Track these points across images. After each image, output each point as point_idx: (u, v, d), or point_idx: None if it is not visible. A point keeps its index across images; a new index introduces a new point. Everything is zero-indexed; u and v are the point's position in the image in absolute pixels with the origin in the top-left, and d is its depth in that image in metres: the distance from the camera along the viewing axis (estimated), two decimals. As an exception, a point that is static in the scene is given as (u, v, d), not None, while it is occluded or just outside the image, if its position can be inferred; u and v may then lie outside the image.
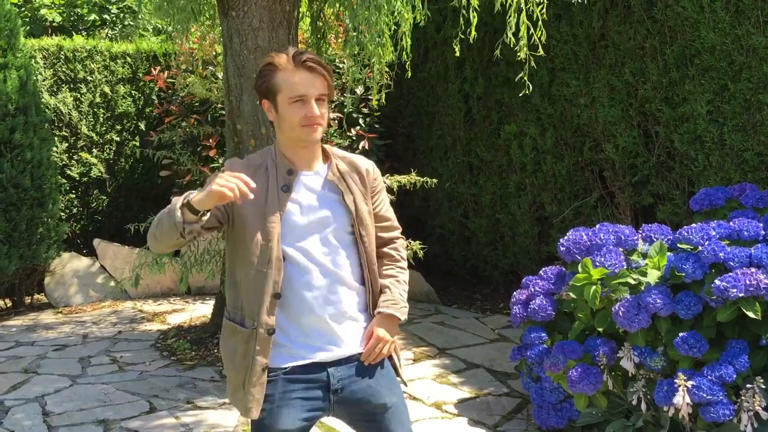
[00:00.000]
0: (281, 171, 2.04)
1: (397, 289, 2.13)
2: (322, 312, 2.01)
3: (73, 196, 7.11)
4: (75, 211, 7.14)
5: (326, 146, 2.14)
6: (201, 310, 5.95)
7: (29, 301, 6.40)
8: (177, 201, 1.89)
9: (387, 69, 4.71)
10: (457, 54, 4.62)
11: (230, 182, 1.80)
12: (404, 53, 4.60)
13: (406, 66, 4.74)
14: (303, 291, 2.00)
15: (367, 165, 2.15)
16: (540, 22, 4.23)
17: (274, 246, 1.97)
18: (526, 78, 4.33)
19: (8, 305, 6.27)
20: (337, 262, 2.04)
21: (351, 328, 2.06)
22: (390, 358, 2.16)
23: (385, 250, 2.18)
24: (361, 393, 2.05)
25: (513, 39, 4.21)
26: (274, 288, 1.98)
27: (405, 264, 2.21)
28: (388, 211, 2.20)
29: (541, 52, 4.31)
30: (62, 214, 6.87)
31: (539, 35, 4.18)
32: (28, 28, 9.09)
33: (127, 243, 6.70)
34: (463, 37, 4.40)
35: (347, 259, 2.06)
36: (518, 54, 4.27)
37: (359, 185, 2.11)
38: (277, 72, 2.00)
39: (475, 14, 4.31)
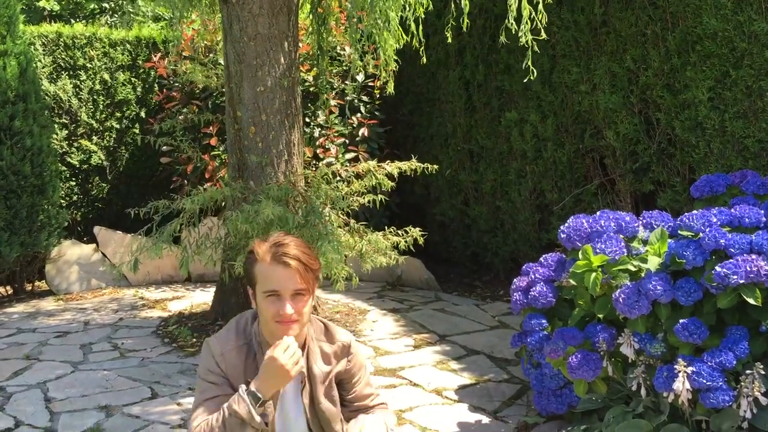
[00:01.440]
0: (259, 365, 2.05)
1: (371, 417, 2.15)
2: None
3: (74, 183, 7.11)
4: (75, 198, 7.13)
5: (308, 329, 2.13)
6: (202, 297, 5.97)
7: (30, 288, 6.41)
8: (239, 408, 1.93)
9: (395, 56, 4.71)
10: (449, 40, 4.60)
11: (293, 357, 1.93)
12: (415, 40, 4.60)
13: (421, 52, 4.73)
14: None
15: (344, 348, 2.18)
16: (540, 5, 4.21)
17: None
18: (530, 63, 4.32)
19: (9, 292, 6.29)
20: None
21: None
22: None
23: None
24: None
25: (515, 24, 4.20)
26: None
27: (387, 420, 2.20)
28: (367, 388, 2.24)
29: (544, 36, 4.29)
30: (63, 201, 6.87)
31: (540, 18, 4.17)
32: (26, 17, 9.04)
33: (127, 230, 6.70)
34: (454, 23, 4.38)
35: None
36: (520, 39, 4.25)
37: (329, 378, 2.14)
38: (256, 263, 2.01)
39: (467, 2, 4.30)
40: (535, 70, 4.45)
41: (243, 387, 1.96)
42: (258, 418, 1.90)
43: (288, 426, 2.13)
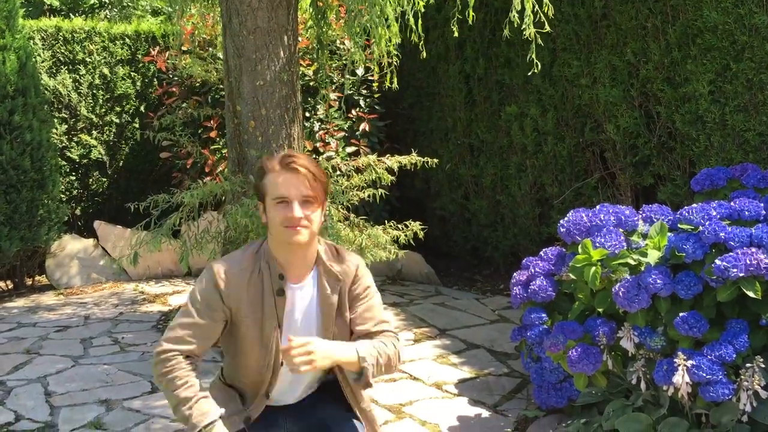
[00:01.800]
0: (274, 275, 2.06)
1: (375, 343, 2.09)
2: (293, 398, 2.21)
3: (74, 177, 7.11)
4: (75, 193, 7.13)
5: (319, 248, 2.13)
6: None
7: (30, 282, 6.41)
8: (189, 410, 2.00)
9: (395, 51, 4.69)
10: (456, 34, 4.59)
11: None
12: (414, 35, 4.58)
13: (420, 46, 4.72)
14: (286, 389, 2.17)
15: (352, 270, 2.15)
16: (546, -2, 4.19)
17: (272, 354, 2.06)
18: (534, 56, 4.31)
19: (9, 287, 6.29)
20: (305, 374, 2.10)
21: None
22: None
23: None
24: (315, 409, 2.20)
25: (518, 18, 4.19)
26: (268, 389, 2.11)
27: (396, 352, 2.15)
28: (372, 312, 2.17)
29: (548, 29, 4.27)
30: (62, 196, 6.86)
31: (546, 10, 4.15)
32: (25, 11, 9.03)
33: (127, 225, 6.70)
34: (460, 17, 4.37)
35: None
36: (524, 32, 4.23)
37: (339, 298, 2.13)
38: (266, 174, 2.04)
39: (473, -6, 4.28)
40: (539, 63, 4.44)
41: (219, 414, 2.01)
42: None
43: (292, 333, 2.09)
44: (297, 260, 2.07)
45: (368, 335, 2.12)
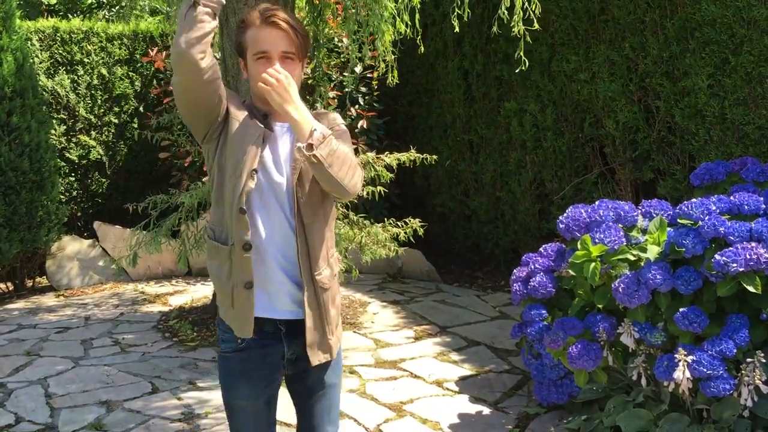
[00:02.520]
0: (258, 117, 2.03)
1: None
2: (267, 274, 2.01)
3: (73, 178, 7.10)
4: (75, 193, 7.12)
5: None
6: (202, 291, 5.96)
7: (31, 284, 6.41)
8: None
9: (392, 48, 4.68)
10: (457, 30, 4.57)
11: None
12: (411, 30, 4.56)
13: (418, 41, 4.70)
14: (256, 250, 1.99)
15: (327, 116, 2.12)
16: (534, -5, 4.18)
17: (248, 162, 1.96)
18: (522, 53, 4.29)
19: (10, 288, 6.29)
20: (275, 223, 2.01)
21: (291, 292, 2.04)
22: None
23: None
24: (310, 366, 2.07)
25: (507, 14, 4.17)
26: (243, 241, 1.96)
27: (357, 164, 2.04)
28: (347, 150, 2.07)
29: (537, 26, 4.25)
30: (62, 197, 6.86)
31: (534, 8, 4.13)
32: (22, 11, 9.02)
33: (126, 225, 6.70)
34: (459, 12, 4.35)
35: (282, 219, 2.01)
36: (512, 29, 4.22)
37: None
38: (247, 29, 2.01)
39: (469, -11, 4.27)
40: (530, 61, 4.41)
41: None
42: None
43: (274, 187, 2.01)
44: (276, 113, 2.03)
45: None
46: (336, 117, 2.15)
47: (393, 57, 4.72)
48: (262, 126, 2.01)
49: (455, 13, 4.48)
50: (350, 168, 1.96)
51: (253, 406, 2.06)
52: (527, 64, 4.43)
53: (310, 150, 1.87)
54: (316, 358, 2.04)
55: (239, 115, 2.02)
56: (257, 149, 1.98)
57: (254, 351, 2.04)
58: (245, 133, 1.99)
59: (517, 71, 4.85)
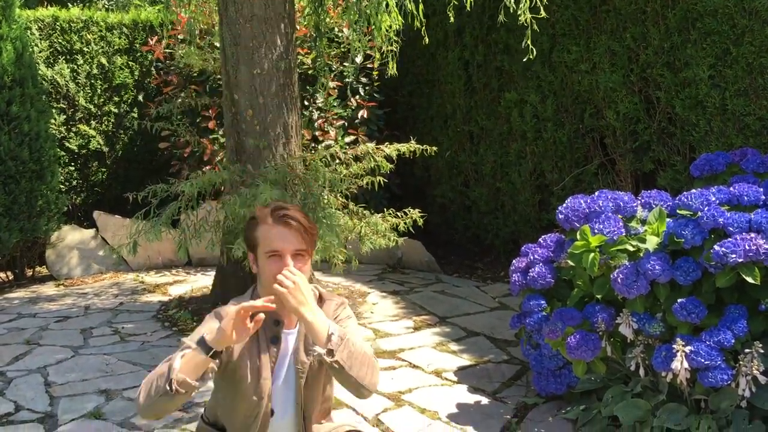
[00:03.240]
0: (268, 322, 2.06)
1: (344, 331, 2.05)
2: None
3: (73, 168, 7.09)
4: (75, 183, 7.12)
5: None
6: (202, 281, 5.97)
7: (31, 273, 6.42)
8: (174, 361, 1.89)
9: (395, 38, 4.67)
10: (451, 20, 4.55)
11: (238, 316, 1.85)
12: (417, 20, 4.55)
13: (423, 32, 4.69)
14: None
15: (331, 310, 2.16)
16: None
17: (264, 403, 2.06)
18: (529, 42, 4.28)
19: (10, 278, 6.29)
20: (285, 417, 2.15)
21: None
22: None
23: None
24: None
25: (513, 3, 4.15)
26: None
27: (369, 351, 2.07)
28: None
29: (543, 14, 4.24)
30: (62, 186, 6.86)
31: (541, -6, 4.12)
32: (22, 1, 8.99)
33: (126, 215, 6.70)
34: (456, 3, 4.34)
35: (291, 414, 2.15)
36: (519, 18, 4.20)
37: None
38: (258, 226, 2.05)
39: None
40: (534, 50, 4.40)
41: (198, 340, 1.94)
42: (177, 364, 1.86)
43: (280, 387, 2.12)
44: (286, 309, 2.04)
45: None
46: (341, 303, 2.18)
47: (396, 46, 4.71)
48: (268, 351, 2.07)
49: (452, 4, 4.46)
50: (369, 367, 1.98)
51: None
52: (534, 53, 4.42)
53: (331, 356, 1.90)
54: None
55: (242, 355, 2.05)
56: (268, 392, 2.07)
57: None
58: (255, 383, 2.06)
59: (524, 60, 4.83)
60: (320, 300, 2.16)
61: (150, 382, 1.90)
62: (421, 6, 4.54)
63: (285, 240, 2.00)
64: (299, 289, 1.93)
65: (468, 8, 4.47)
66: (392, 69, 4.94)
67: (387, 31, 4.45)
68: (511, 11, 4.20)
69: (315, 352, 1.92)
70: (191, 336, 2.02)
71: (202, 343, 1.89)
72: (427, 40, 4.92)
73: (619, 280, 2.81)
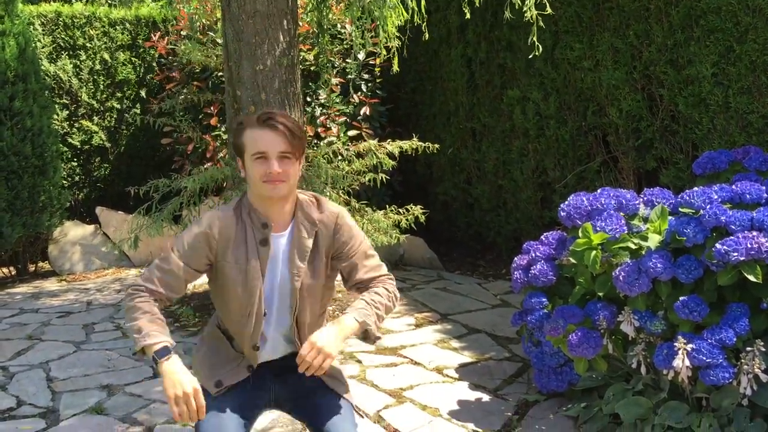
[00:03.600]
0: (256, 224, 2.11)
1: (366, 298, 2.12)
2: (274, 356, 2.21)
3: (75, 164, 7.10)
4: (77, 179, 7.13)
5: (301, 197, 2.18)
6: (204, 277, 5.96)
7: (33, 268, 6.43)
8: (143, 337, 1.98)
9: (398, 34, 4.66)
10: (468, 16, 4.54)
11: (180, 407, 1.94)
12: (417, 16, 4.54)
13: (423, 28, 4.68)
14: (266, 340, 2.18)
15: (331, 218, 2.18)
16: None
17: (255, 302, 2.10)
18: (534, 39, 4.27)
19: (12, 273, 6.31)
20: (282, 324, 2.18)
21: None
22: (325, 383, 2.20)
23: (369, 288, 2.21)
24: (302, 391, 2.20)
25: (519, 0, 4.15)
26: (253, 340, 2.14)
27: (390, 294, 2.18)
28: (366, 259, 2.21)
29: (549, 11, 4.23)
30: (64, 182, 6.87)
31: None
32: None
33: (129, 210, 6.70)
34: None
35: (287, 321, 2.18)
36: (525, 14, 4.20)
37: (315, 243, 2.16)
38: (245, 131, 2.09)
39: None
40: (540, 46, 4.40)
41: (165, 345, 1.98)
42: (137, 339, 1.98)
43: (274, 289, 2.15)
44: (276, 212, 2.12)
45: (361, 283, 2.19)
46: (338, 215, 2.20)
47: (398, 43, 4.70)
48: (257, 253, 2.10)
49: (466, 0, 4.45)
50: (392, 300, 2.18)
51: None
52: (540, 49, 4.41)
53: (376, 335, 2.09)
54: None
55: (230, 255, 2.10)
56: (260, 293, 2.10)
57: (239, 391, 2.17)
58: (244, 283, 2.09)
59: (529, 57, 4.82)
60: (319, 206, 2.19)
61: (129, 318, 2.03)
62: (423, 2, 4.54)
63: (270, 142, 2.04)
64: (327, 348, 1.96)
65: (478, 4, 4.46)
66: (396, 66, 4.93)
67: (391, 26, 4.44)
68: (517, 7, 4.19)
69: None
70: (178, 242, 2.10)
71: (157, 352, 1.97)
72: (427, 35, 4.91)
73: (621, 278, 2.81)
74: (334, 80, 6.59)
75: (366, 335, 2.08)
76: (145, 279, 2.08)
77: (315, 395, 2.18)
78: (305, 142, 2.12)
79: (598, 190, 3.15)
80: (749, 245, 2.55)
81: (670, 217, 2.91)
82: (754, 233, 2.59)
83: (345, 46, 6.76)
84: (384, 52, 4.83)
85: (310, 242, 2.14)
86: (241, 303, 2.10)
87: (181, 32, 6.88)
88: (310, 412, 2.17)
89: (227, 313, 2.17)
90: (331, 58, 6.63)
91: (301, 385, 2.19)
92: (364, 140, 5.42)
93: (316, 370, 1.95)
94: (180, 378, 1.92)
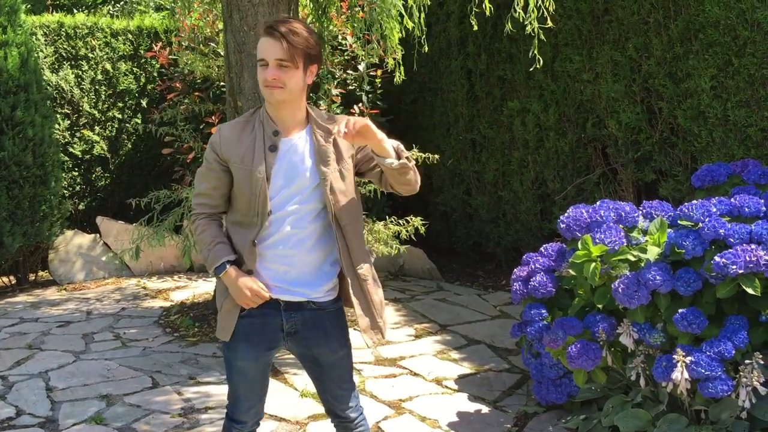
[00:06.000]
0: (267, 131, 2.18)
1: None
2: (291, 264, 2.20)
3: (76, 173, 7.11)
4: (78, 188, 7.14)
5: (310, 110, 2.25)
6: (204, 287, 5.98)
7: (33, 278, 6.43)
8: (206, 261, 2.20)
9: (399, 46, 4.69)
10: (475, 28, 4.57)
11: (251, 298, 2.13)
12: (417, 30, 4.57)
13: (422, 41, 4.72)
14: (278, 246, 2.18)
15: (341, 121, 2.21)
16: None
17: (260, 202, 2.14)
18: (536, 52, 4.30)
19: (13, 282, 6.31)
20: (306, 225, 2.18)
21: (318, 278, 2.22)
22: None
23: None
24: (313, 339, 2.24)
25: (522, 13, 4.18)
26: (254, 237, 2.17)
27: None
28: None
29: (550, 24, 4.26)
30: (65, 191, 6.87)
31: (547, 5, 4.15)
32: (28, 6, 9.03)
33: (129, 220, 6.71)
34: (478, 11, 4.36)
35: (314, 223, 2.19)
36: (526, 28, 4.23)
37: (336, 151, 2.22)
38: (258, 40, 2.18)
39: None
40: (540, 59, 4.43)
41: (223, 262, 2.16)
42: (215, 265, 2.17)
43: (285, 187, 2.18)
44: (285, 117, 2.19)
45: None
46: (346, 118, 2.23)
47: (399, 55, 4.73)
48: (263, 156, 2.15)
49: (472, 12, 4.48)
50: (416, 173, 2.24)
51: (250, 366, 2.24)
52: (541, 62, 4.44)
53: (406, 162, 2.16)
54: (371, 339, 2.28)
55: (235, 158, 2.17)
56: (264, 193, 2.15)
57: (256, 319, 2.20)
58: (249, 182, 2.15)
59: (530, 69, 4.84)
60: (331, 117, 2.26)
61: (201, 246, 2.23)
62: (422, 15, 4.56)
63: (269, 49, 2.10)
64: (370, 128, 2.06)
65: (488, 13, 4.49)
66: (398, 77, 4.96)
67: (392, 41, 4.47)
68: (520, 20, 4.23)
69: (386, 162, 2.12)
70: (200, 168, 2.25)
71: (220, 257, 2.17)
72: (426, 48, 4.94)
73: (620, 290, 2.82)
74: (335, 91, 6.61)
75: (398, 155, 2.14)
76: (196, 205, 2.27)
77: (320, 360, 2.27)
78: (314, 50, 2.15)
79: (598, 203, 3.16)
80: (748, 258, 2.56)
81: (669, 230, 2.93)
82: (753, 246, 2.60)
83: (346, 57, 6.79)
84: (391, 62, 4.86)
85: (329, 147, 2.20)
86: (247, 201, 2.16)
87: (183, 43, 6.91)
88: (317, 373, 2.31)
89: (236, 210, 2.22)
90: (332, 69, 6.66)
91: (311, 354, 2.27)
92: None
93: (350, 126, 2.02)
94: (237, 288, 2.13)
